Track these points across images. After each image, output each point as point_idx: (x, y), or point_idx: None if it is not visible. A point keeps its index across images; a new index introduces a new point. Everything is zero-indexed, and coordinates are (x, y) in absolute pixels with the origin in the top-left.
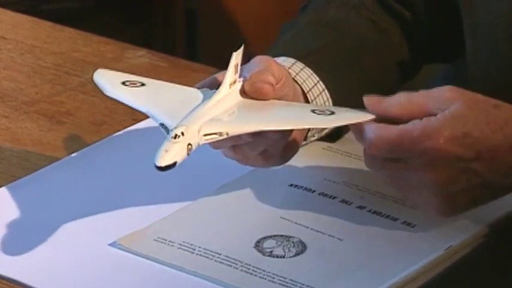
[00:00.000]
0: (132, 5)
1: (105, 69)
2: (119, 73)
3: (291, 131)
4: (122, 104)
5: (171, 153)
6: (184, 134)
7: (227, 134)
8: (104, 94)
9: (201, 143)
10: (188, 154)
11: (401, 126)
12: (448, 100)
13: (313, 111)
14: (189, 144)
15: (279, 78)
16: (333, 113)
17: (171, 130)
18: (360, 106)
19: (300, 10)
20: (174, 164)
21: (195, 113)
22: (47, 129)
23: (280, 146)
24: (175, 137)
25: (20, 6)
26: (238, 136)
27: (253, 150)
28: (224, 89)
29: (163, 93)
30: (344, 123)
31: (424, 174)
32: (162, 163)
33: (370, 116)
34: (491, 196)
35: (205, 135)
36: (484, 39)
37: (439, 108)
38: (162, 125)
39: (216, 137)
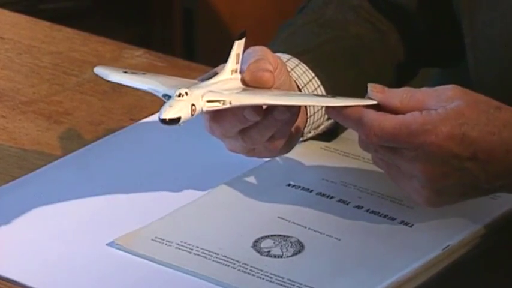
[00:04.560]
0: (130, 5)
1: (104, 65)
2: (119, 68)
3: (298, 113)
4: (124, 86)
5: (176, 108)
6: (188, 94)
7: (230, 103)
8: (101, 94)
9: (204, 108)
10: (192, 115)
11: (400, 117)
12: (450, 98)
13: (315, 95)
14: (193, 104)
15: (274, 66)
16: (335, 97)
17: (175, 91)
18: None
19: (297, 11)
20: (178, 119)
21: (197, 85)
22: (44, 129)
23: (287, 130)
24: (179, 95)
25: (18, 6)
26: (246, 118)
27: (262, 135)
28: (226, 73)
29: (164, 78)
30: (348, 104)
31: (417, 166)
32: (167, 116)
33: (372, 102)
34: (480, 194)
35: (208, 101)
36: (485, 52)
37: (440, 105)
38: (165, 95)
39: (218, 105)
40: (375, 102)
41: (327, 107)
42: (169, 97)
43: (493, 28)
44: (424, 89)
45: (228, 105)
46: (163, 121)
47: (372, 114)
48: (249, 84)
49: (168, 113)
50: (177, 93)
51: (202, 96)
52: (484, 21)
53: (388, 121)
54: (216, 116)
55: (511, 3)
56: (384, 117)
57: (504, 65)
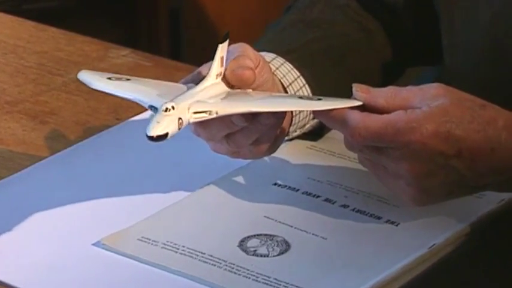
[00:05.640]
0: (116, 4)
1: (89, 70)
2: (103, 72)
3: (283, 117)
4: (108, 94)
5: (163, 124)
6: (175, 108)
7: (216, 113)
8: (87, 94)
9: (191, 120)
10: (179, 129)
11: (385, 116)
12: (434, 96)
13: (300, 97)
14: (180, 118)
15: (256, 62)
16: (320, 99)
17: (162, 105)
18: None
19: (284, 10)
20: (166, 135)
21: (183, 95)
22: (30, 129)
23: (272, 133)
24: (166, 110)
25: (3, 5)
26: (233, 123)
27: (247, 139)
28: (211, 78)
29: (149, 85)
30: (332, 107)
31: (403, 165)
32: (154, 133)
33: (357, 102)
34: (466, 192)
35: (194, 112)
36: (461, 55)
37: (425, 103)
38: (151, 106)
39: (205, 116)
40: (360, 103)
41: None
42: (155, 108)
43: (471, 32)
44: (409, 87)
45: (214, 115)
46: (150, 138)
47: (357, 115)
48: (231, 82)
49: (155, 130)
50: (164, 108)
51: (189, 109)
52: (462, 25)
53: (372, 121)
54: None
55: (489, 8)
56: (368, 117)
57: (480, 68)
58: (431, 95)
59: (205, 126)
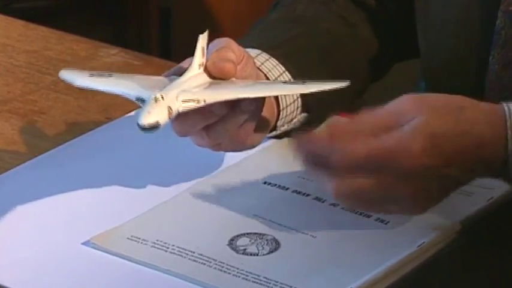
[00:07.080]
0: (106, 3)
1: (70, 69)
2: (85, 71)
3: (263, 103)
4: (96, 92)
5: (154, 113)
6: (164, 98)
7: (204, 101)
8: (77, 93)
9: (180, 109)
10: (169, 118)
11: (370, 145)
12: (409, 112)
13: (284, 82)
14: (169, 107)
15: (239, 57)
16: (304, 82)
17: (151, 95)
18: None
19: (271, 7)
20: (157, 124)
21: (170, 85)
22: (19, 128)
23: (252, 122)
24: (155, 100)
25: None
26: (213, 112)
27: (226, 130)
28: (194, 69)
29: (133, 79)
30: (318, 90)
31: (398, 189)
32: (146, 121)
33: (344, 83)
34: (460, 187)
35: (183, 101)
36: (436, 38)
37: (404, 121)
38: (138, 98)
39: (193, 104)
40: (347, 84)
41: (295, 138)
42: (142, 100)
43: (446, 12)
44: (383, 108)
45: (202, 104)
46: (142, 128)
47: (343, 144)
48: (212, 74)
49: (146, 119)
50: (153, 98)
51: (177, 98)
52: (437, 6)
53: (357, 152)
54: (179, 115)
55: None
56: (354, 146)
57: (455, 48)
58: (406, 111)
59: (180, 121)
